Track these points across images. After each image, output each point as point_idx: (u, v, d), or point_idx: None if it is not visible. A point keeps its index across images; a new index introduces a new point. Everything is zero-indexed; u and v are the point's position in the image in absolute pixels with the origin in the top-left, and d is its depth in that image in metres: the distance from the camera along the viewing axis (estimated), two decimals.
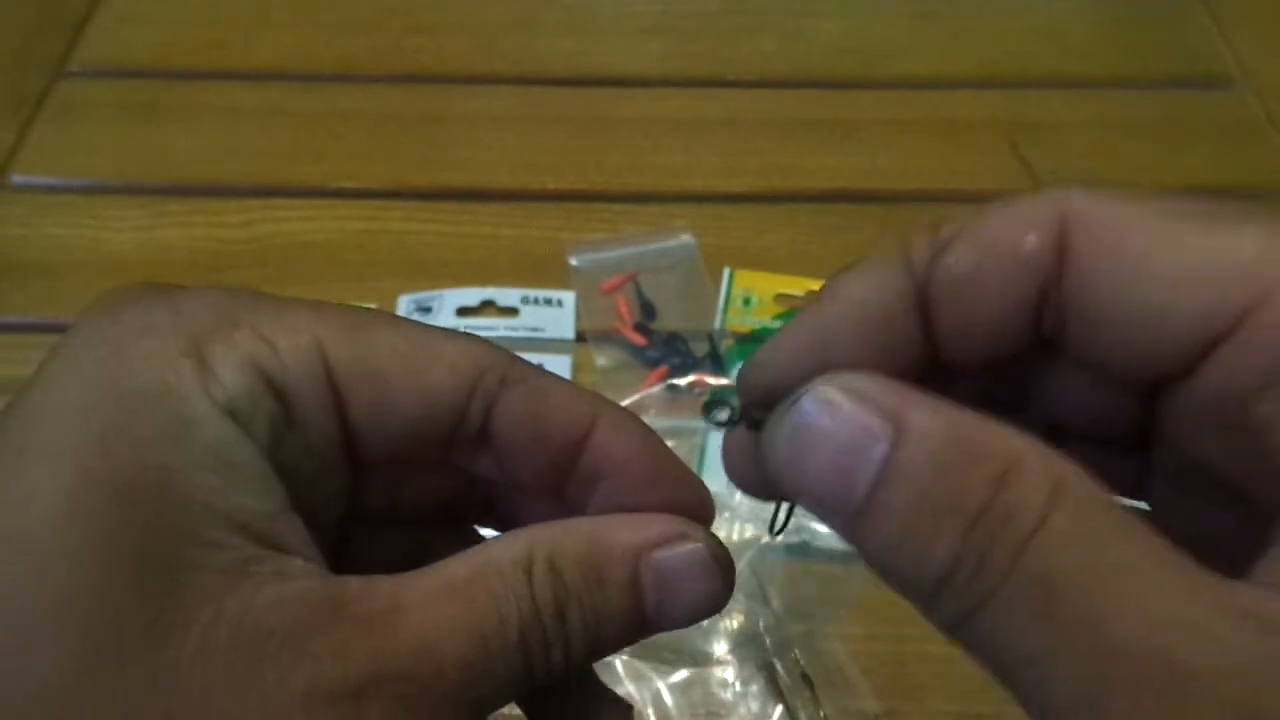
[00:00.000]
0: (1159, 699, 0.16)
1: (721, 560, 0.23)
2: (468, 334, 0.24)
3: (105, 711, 0.18)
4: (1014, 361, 0.21)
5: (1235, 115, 0.70)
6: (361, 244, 0.62)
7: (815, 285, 0.59)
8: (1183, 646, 0.16)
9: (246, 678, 0.18)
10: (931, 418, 0.18)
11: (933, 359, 0.21)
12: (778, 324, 0.58)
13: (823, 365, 0.20)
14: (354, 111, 0.69)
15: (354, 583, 0.20)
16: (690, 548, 0.23)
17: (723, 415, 0.23)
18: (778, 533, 0.24)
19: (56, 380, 0.20)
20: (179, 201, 0.64)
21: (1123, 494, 0.23)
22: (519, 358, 0.24)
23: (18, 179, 0.65)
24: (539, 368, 0.24)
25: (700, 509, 0.24)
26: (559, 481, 0.24)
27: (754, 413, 0.22)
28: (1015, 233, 0.20)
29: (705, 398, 0.54)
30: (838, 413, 0.19)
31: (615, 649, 0.23)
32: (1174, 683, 0.16)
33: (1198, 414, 0.19)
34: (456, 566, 0.21)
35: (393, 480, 0.25)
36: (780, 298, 0.59)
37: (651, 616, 0.22)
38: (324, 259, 0.61)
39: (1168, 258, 0.18)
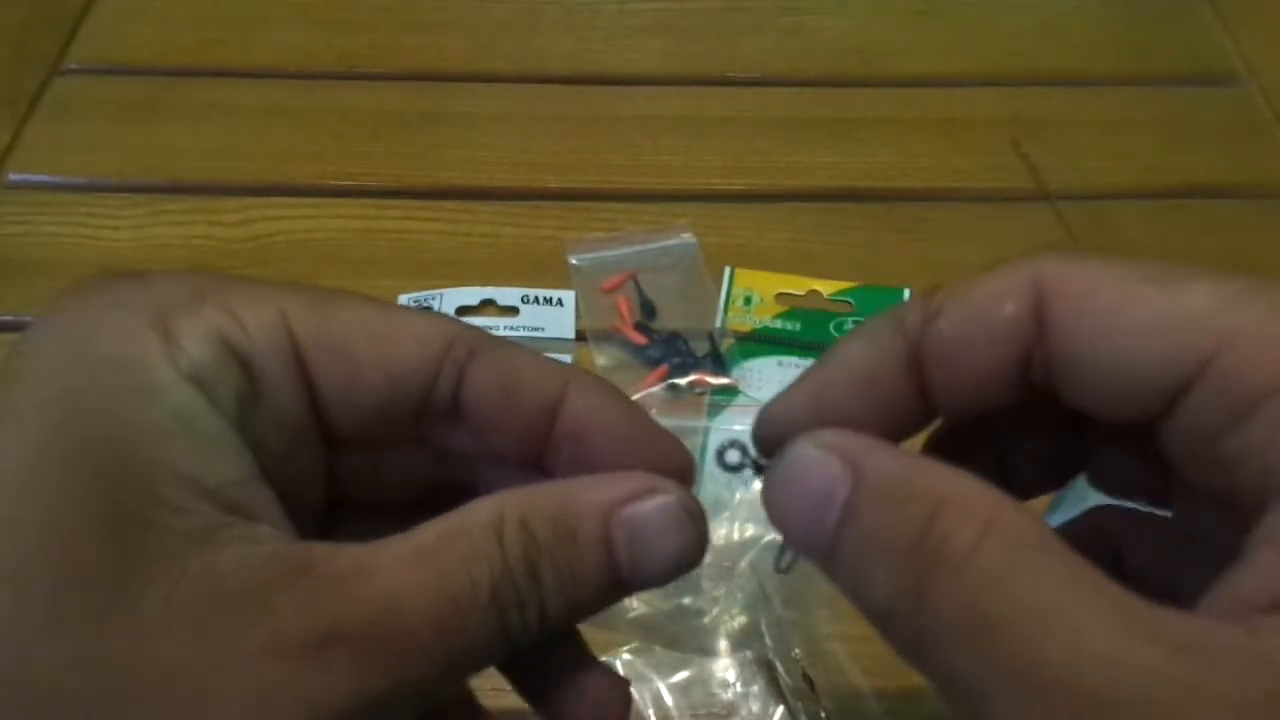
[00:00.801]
0: None
1: (693, 512, 0.23)
2: (436, 312, 0.24)
3: (69, 662, 0.18)
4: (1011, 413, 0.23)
5: (1240, 113, 0.69)
6: (361, 243, 0.62)
7: (816, 284, 0.59)
8: (1106, 680, 0.17)
9: (209, 632, 0.19)
10: (883, 462, 0.21)
11: (928, 414, 0.23)
12: (778, 323, 0.58)
13: (822, 420, 0.22)
14: (354, 111, 0.69)
15: (320, 547, 0.21)
16: (660, 501, 0.23)
17: (733, 459, 0.25)
18: (785, 569, 0.25)
19: (28, 352, 0.21)
20: (177, 200, 0.63)
21: (1148, 501, 0.24)
22: (487, 332, 0.24)
23: (14, 177, 0.64)
24: (508, 340, 0.24)
25: (679, 468, 0.24)
26: (534, 451, 0.24)
27: (759, 459, 0.24)
28: (995, 300, 0.22)
29: (706, 395, 0.54)
30: (811, 464, 0.21)
31: (593, 609, 0.23)
32: (1097, 715, 0.17)
33: (1182, 447, 0.21)
34: (426, 531, 0.21)
35: (372, 463, 0.25)
36: (781, 297, 0.59)
37: (626, 573, 0.23)
38: (323, 258, 0.61)
39: (1133, 316, 0.20)
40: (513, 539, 0.21)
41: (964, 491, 0.20)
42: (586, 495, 0.23)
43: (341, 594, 0.20)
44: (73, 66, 0.70)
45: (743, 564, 0.45)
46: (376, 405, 0.23)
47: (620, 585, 0.23)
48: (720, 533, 0.46)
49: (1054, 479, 0.26)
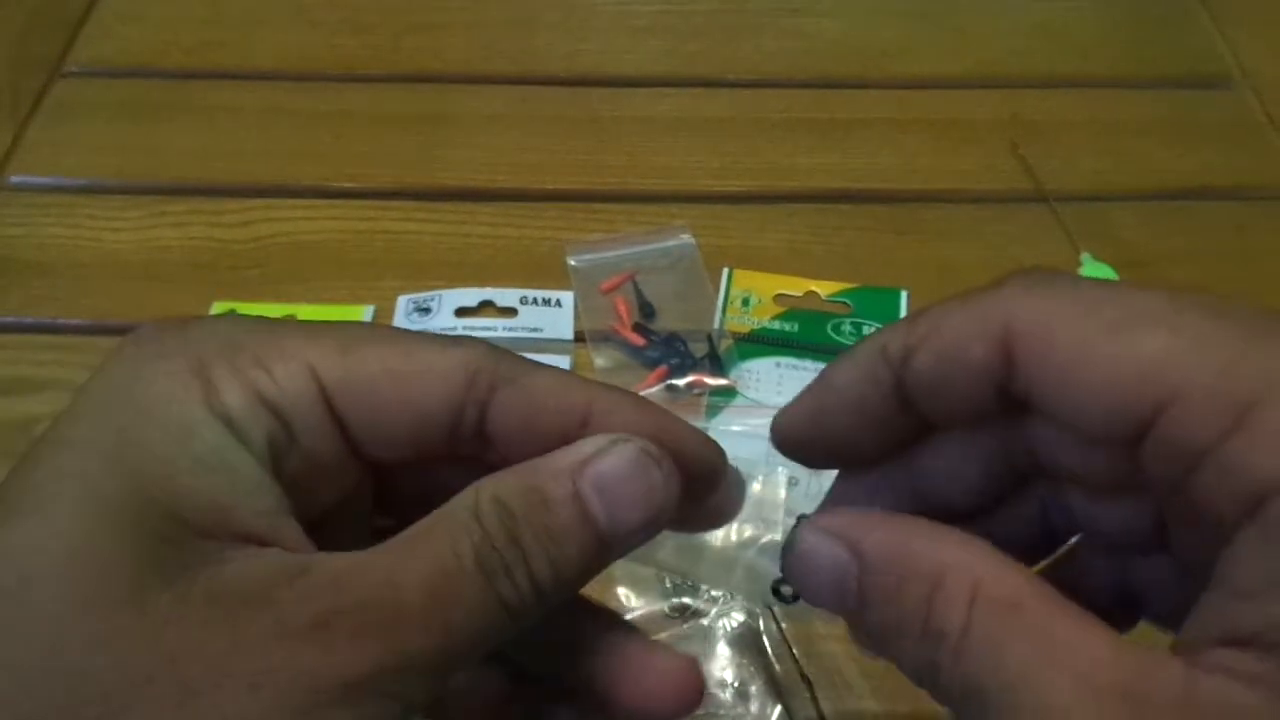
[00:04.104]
0: None
1: (654, 454, 0.24)
2: (460, 338, 0.25)
3: (95, 643, 0.20)
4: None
5: (1235, 115, 0.70)
6: (360, 244, 0.62)
7: (814, 285, 0.60)
8: None
9: (217, 623, 0.21)
10: (880, 543, 0.22)
11: (922, 425, 0.25)
12: (776, 324, 0.58)
13: (824, 440, 0.25)
14: (354, 111, 0.69)
15: (321, 554, 0.23)
16: (621, 449, 0.24)
17: (788, 592, 0.26)
18: (789, 600, 0.26)
19: (89, 392, 0.23)
20: (177, 201, 0.64)
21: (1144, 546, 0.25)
22: (511, 355, 0.25)
23: (15, 179, 0.64)
24: (531, 362, 0.26)
25: (710, 463, 0.26)
26: None
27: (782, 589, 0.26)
28: (965, 342, 0.23)
29: (705, 396, 0.54)
30: (817, 552, 0.23)
31: (583, 570, 0.24)
32: None
33: (1156, 485, 0.22)
34: (413, 527, 0.23)
35: (428, 481, 0.26)
36: (780, 298, 0.59)
37: (604, 525, 0.23)
38: (323, 259, 0.61)
39: (1089, 368, 0.21)
40: (488, 512, 0.23)
41: (954, 562, 0.21)
42: (552, 462, 0.24)
43: (339, 584, 0.22)
44: (74, 69, 0.71)
45: (742, 565, 0.45)
46: (407, 440, 0.25)
47: (604, 541, 0.24)
48: (719, 534, 0.46)
49: (1043, 546, 0.27)
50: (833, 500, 0.27)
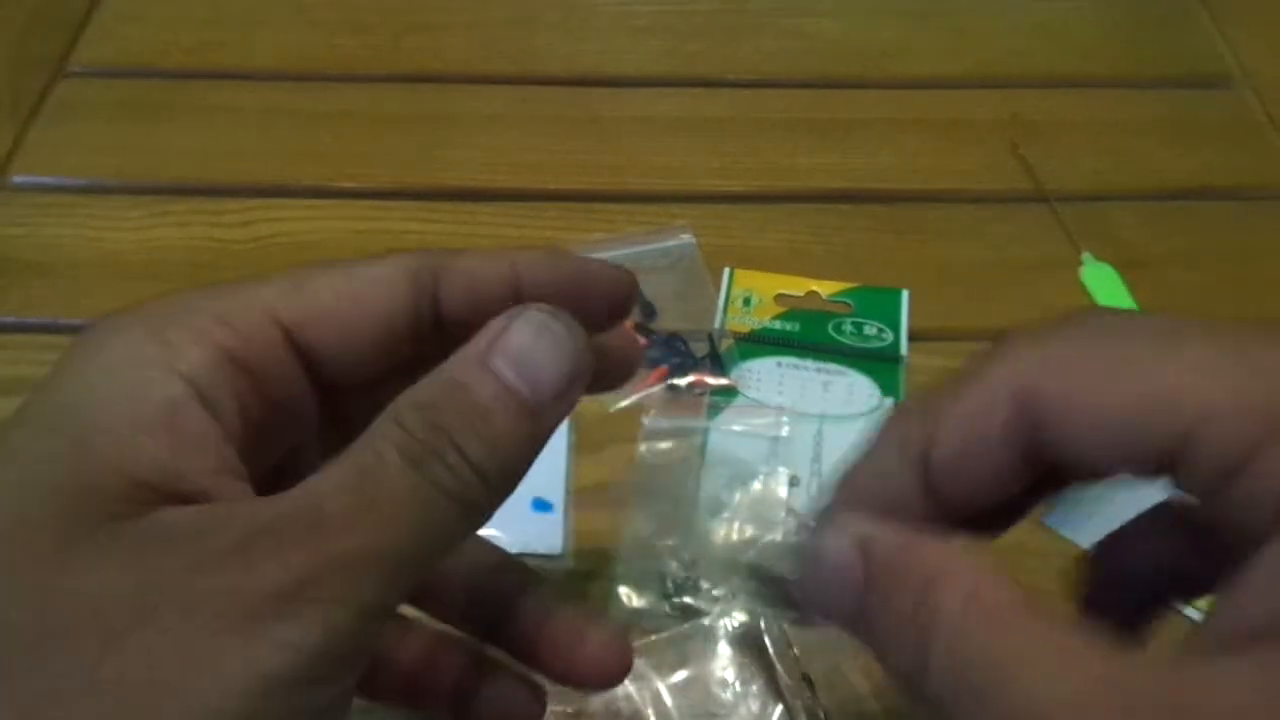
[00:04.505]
0: None
1: (553, 312, 0.24)
2: (393, 252, 0.27)
3: (10, 598, 0.21)
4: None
5: (1235, 115, 0.70)
6: (361, 244, 0.62)
7: (815, 285, 0.60)
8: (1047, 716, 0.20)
9: (140, 570, 0.21)
10: (885, 541, 0.23)
11: (950, 512, 0.25)
12: (777, 324, 0.58)
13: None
14: (354, 111, 0.69)
15: (248, 499, 0.23)
16: (521, 319, 0.24)
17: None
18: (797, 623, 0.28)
19: (50, 375, 0.24)
20: (178, 201, 0.64)
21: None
22: (441, 250, 0.27)
23: (17, 179, 0.64)
24: (461, 250, 0.27)
25: (622, 293, 0.27)
26: None
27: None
28: (985, 418, 0.24)
29: (706, 395, 0.54)
30: (832, 547, 0.24)
31: (520, 443, 0.24)
32: None
33: (1193, 492, 0.23)
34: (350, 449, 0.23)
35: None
36: (780, 297, 0.59)
37: (527, 393, 0.23)
38: (324, 259, 0.61)
39: (1112, 407, 0.22)
40: (407, 415, 0.23)
41: (951, 567, 0.22)
42: (460, 356, 0.24)
43: (257, 510, 0.22)
44: (76, 69, 0.71)
45: (742, 564, 0.45)
46: (374, 354, 0.26)
47: (530, 409, 0.24)
48: (720, 533, 0.46)
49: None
50: None
